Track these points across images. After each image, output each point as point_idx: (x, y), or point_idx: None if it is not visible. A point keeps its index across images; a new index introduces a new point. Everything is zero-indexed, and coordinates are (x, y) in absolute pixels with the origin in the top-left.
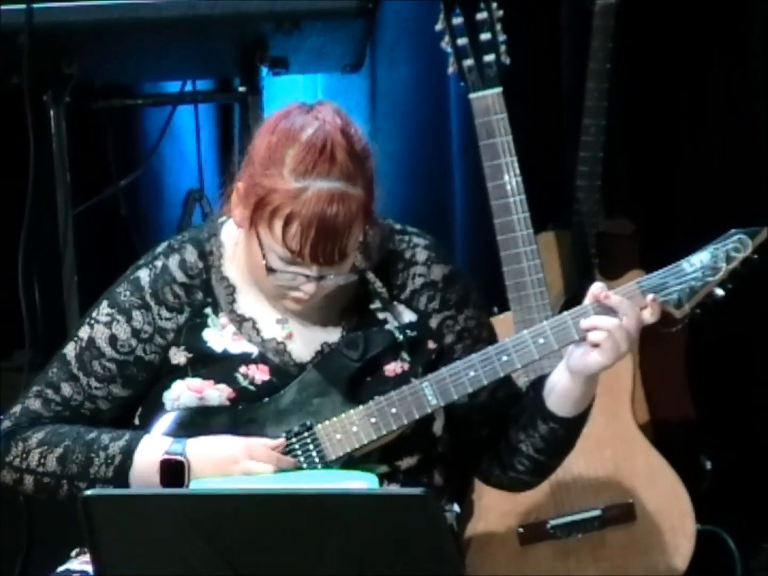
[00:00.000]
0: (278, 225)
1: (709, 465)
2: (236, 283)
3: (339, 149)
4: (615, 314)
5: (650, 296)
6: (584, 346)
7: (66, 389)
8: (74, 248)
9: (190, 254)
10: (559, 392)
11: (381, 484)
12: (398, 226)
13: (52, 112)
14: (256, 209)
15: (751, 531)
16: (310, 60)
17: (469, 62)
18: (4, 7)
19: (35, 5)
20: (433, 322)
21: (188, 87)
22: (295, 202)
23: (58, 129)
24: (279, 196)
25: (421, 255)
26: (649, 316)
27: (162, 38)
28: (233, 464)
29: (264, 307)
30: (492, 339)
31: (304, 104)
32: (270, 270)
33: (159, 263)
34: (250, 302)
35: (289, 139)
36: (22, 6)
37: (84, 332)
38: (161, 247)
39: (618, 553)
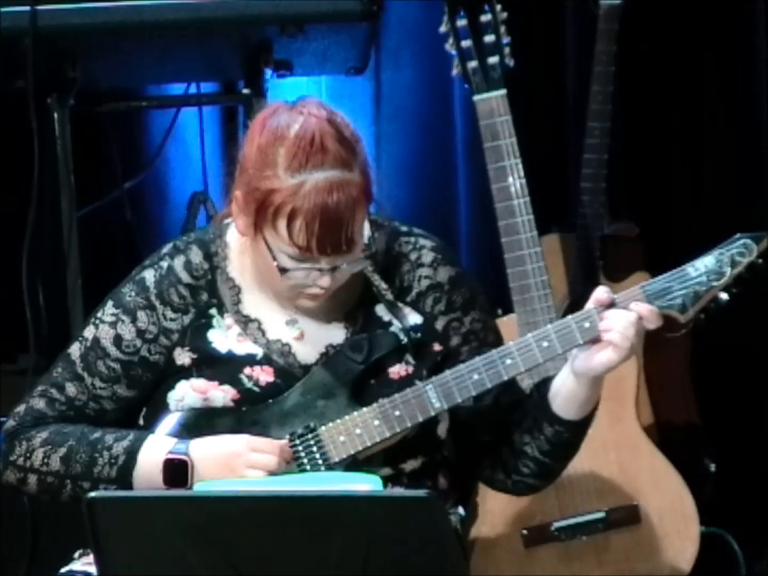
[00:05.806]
0: (282, 224)
1: (713, 468)
2: (241, 284)
3: (328, 138)
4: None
5: (637, 305)
6: (588, 349)
7: (70, 389)
8: (78, 251)
9: (196, 255)
10: (565, 395)
11: (385, 486)
12: (404, 228)
13: (56, 115)
14: (258, 213)
15: (756, 533)
16: (314, 62)
17: (473, 64)
18: (7, 9)
19: (39, 8)
20: (439, 325)
21: (192, 90)
22: (296, 198)
23: (62, 132)
24: (278, 195)
25: (428, 257)
26: (648, 323)
27: (166, 41)
28: (236, 458)
29: (271, 309)
30: (498, 343)
31: (286, 102)
32: (283, 270)
33: (164, 264)
34: (255, 303)
35: (277, 138)
36: (26, 9)
37: (89, 332)
38: (166, 248)
39: (622, 556)
